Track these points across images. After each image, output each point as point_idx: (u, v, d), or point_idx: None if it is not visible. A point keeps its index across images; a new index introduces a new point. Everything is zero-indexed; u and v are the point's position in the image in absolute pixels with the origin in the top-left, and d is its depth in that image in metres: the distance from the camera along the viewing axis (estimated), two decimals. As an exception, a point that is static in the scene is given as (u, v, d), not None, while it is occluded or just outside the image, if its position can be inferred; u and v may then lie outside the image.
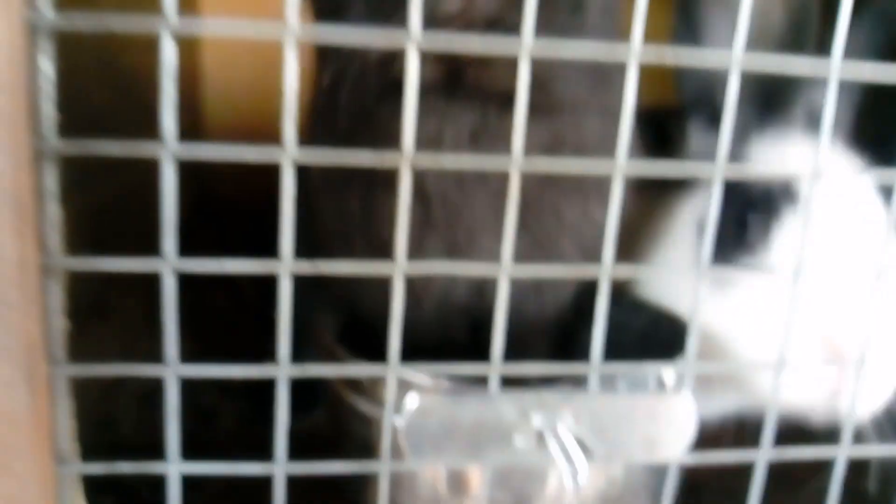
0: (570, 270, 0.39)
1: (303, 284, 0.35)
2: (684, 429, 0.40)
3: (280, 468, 0.38)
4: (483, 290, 0.48)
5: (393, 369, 0.37)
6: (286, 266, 0.34)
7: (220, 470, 0.38)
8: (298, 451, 0.38)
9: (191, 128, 0.95)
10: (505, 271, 0.37)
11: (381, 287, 0.36)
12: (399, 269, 0.36)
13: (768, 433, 0.41)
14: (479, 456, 0.39)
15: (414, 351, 0.38)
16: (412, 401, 0.38)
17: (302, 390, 0.39)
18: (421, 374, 0.41)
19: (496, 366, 0.38)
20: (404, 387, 0.39)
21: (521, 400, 0.38)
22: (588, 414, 0.39)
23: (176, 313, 0.35)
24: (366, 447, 0.45)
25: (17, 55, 0.30)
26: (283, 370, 0.36)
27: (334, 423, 0.49)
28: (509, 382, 0.38)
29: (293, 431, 0.38)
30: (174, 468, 0.37)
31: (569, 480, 0.37)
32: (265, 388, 0.37)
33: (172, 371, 0.36)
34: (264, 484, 0.38)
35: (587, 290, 0.41)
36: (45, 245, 0.33)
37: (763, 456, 0.41)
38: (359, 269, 0.36)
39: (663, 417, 0.39)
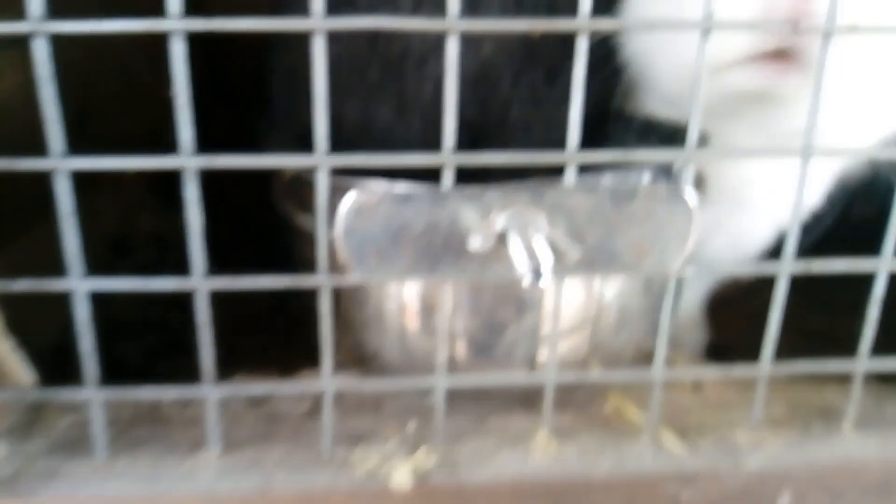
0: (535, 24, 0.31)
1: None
2: (685, 234, 0.32)
3: (202, 282, 0.32)
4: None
5: (322, 160, 0.31)
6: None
7: (131, 286, 0.32)
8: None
9: None
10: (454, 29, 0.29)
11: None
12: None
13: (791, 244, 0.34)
14: (433, 268, 0.32)
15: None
16: (348, 201, 0.31)
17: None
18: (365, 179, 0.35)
19: (448, 156, 0.31)
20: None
21: (480, 198, 0.31)
22: (564, 214, 0.32)
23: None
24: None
25: None
26: (190, 161, 0.30)
27: (289, 252, 0.43)
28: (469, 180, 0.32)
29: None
30: (82, 285, 0.32)
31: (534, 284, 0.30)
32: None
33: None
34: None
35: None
36: None
37: (786, 269, 0.34)
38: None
39: (658, 219, 0.32)
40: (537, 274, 0.29)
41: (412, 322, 0.40)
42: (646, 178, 0.36)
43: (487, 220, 0.31)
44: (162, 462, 0.35)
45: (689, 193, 0.32)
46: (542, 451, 0.36)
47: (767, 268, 0.35)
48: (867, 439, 0.38)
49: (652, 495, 0.35)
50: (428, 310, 0.39)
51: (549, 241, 0.31)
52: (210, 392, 0.34)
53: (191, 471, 0.34)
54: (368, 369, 0.42)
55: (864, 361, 0.37)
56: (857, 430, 0.38)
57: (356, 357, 0.41)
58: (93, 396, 0.33)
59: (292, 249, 0.43)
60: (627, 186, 0.32)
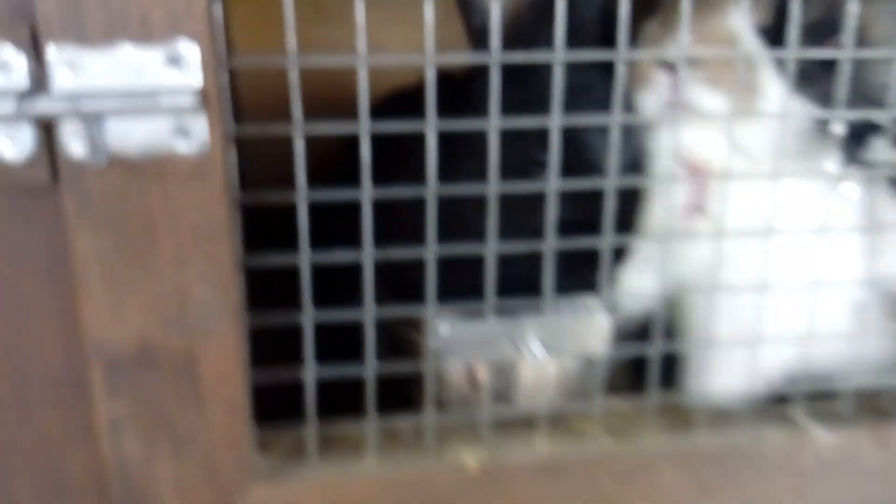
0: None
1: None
2: (603, 334, 0.67)
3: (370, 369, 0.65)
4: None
5: (431, 309, 0.64)
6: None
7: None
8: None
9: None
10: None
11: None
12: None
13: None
14: (483, 356, 0.66)
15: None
16: (443, 327, 0.65)
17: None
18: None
19: (490, 302, 0.65)
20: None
21: (505, 322, 0.65)
22: (546, 328, 0.66)
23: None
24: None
25: (223, 155, 0.56)
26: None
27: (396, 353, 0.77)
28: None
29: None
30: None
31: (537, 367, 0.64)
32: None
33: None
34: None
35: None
36: (237, 253, 0.59)
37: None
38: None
39: (589, 329, 0.66)
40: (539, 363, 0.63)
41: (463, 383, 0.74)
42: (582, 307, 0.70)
43: (509, 332, 0.66)
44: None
45: (604, 316, 0.66)
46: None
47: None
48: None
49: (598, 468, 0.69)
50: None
51: (539, 342, 0.65)
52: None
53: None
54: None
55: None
56: (704, 429, 0.72)
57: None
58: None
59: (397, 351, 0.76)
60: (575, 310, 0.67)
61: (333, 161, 0.84)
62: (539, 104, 0.61)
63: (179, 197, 0.55)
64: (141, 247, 0.56)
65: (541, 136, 0.62)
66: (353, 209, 0.61)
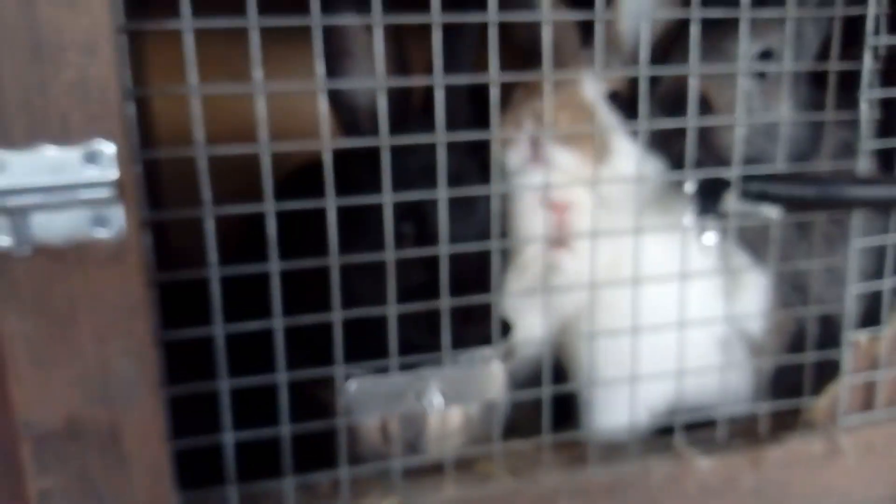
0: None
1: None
2: (498, 382, 0.74)
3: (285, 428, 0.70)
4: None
5: (339, 369, 0.70)
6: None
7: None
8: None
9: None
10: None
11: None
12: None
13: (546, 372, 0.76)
14: (390, 410, 0.72)
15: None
16: (351, 385, 0.71)
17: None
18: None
19: (394, 359, 0.71)
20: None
21: (409, 376, 0.72)
22: (446, 379, 0.72)
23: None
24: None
25: (139, 239, 0.62)
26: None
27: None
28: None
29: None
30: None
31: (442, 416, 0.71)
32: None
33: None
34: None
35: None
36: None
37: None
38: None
39: (486, 377, 0.73)
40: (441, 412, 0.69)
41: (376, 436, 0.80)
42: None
43: (413, 384, 0.72)
44: None
45: (498, 365, 0.73)
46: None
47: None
48: (602, 467, 0.79)
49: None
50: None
51: (440, 392, 0.72)
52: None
53: None
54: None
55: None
56: (598, 463, 0.79)
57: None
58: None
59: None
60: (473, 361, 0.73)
61: (248, 233, 0.90)
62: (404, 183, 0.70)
63: (99, 279, 0.60)
64: (64, 327, 0.61)
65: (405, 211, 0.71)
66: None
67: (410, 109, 0.77)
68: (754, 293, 0.88)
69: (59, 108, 0.57)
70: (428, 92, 0.72)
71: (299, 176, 0.92)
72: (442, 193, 0.69)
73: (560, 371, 0.86)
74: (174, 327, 0.65)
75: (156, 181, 0.98)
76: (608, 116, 0.80)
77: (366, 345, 0.69)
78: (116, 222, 0.60)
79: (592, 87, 0.81)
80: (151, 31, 0.60)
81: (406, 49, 0.75)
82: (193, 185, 0.65)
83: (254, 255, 0.67)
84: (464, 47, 0.75)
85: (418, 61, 0.76)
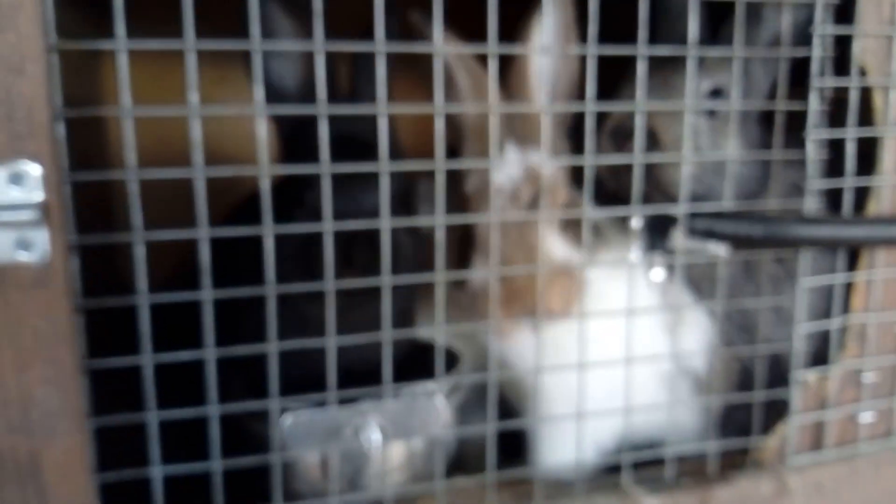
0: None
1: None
2: (440, 416, 0.71)
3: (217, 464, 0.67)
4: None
5: (274, 402, 0.68)
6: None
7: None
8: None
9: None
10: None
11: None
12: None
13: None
14: (326, 445, 0.69)
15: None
16: (287, 418, 0.68)
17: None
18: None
19: (332, 393, 0.69)
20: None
21: (348, 410, 0.69)
22: (386, 413, 0.70)
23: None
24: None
25: (66, 263, 0.59)
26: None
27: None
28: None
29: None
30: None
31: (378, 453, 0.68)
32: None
33: (153, 415, 0.65)
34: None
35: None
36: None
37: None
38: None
39: (427, 412, 0.71)
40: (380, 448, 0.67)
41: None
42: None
43: (352, 419, 0.69)
44: None
45: (441, 400, 0.71)
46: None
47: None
48: None
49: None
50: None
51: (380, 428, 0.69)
52: None
53: None
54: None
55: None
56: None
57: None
58: None
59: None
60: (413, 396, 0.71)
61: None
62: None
63: (21, 304, 0.58)
64: (-17, 353, 0.58)
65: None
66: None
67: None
68: (697, 331, 0.86)
69: (-17, 127, 0.55)
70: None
71: (250, 202, 0.90)
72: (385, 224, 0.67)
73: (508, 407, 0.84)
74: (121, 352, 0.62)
75: (110, 202, 0.96)
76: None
77: (308, 378, 0.67)
78: (41, 246, 0.57)
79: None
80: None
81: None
82: (154, 206, 0.63)
83: (195, 281, 0.65)
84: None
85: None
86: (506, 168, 0.82)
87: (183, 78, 0.59)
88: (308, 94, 0.69)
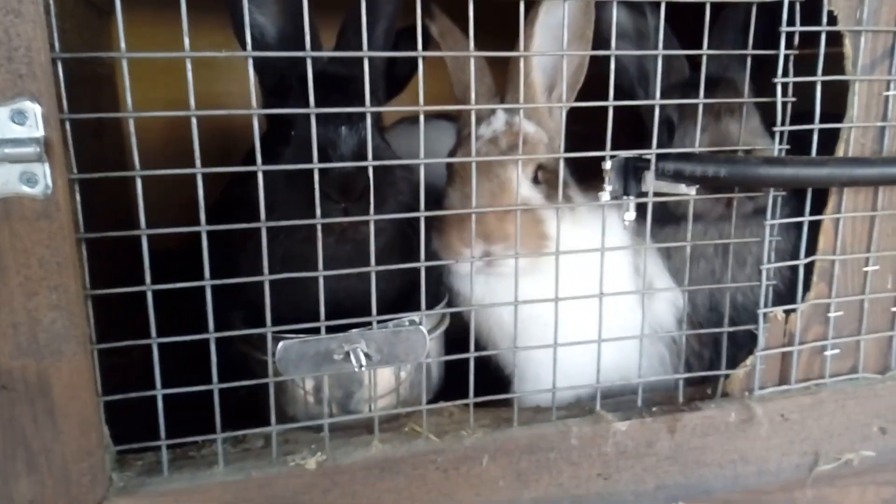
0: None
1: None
2: (424, 345, 0.72)
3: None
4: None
5: (269, 330, 0.68)
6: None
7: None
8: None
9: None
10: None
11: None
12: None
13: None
14: (320, 369, 0.70)
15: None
16: (281, 346, 0.69)
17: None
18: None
19: (322, 323, 0.69)
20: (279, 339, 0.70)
21: (338, 338, 0.70)
22: (373, 342, 0.71)
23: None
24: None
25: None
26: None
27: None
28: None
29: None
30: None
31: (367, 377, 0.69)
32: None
33: (155, 341, 0.66)
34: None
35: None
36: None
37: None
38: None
39: (412, 340, 0.71)
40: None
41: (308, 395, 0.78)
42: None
43: (342, 346, 0.70)
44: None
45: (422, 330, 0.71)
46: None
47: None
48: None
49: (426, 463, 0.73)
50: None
51: (367, 354, 0.70)
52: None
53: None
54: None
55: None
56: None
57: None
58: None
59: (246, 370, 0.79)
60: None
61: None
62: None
63: (27, 235, 0.59)
64: (-8, 281, 0.59)
65: None
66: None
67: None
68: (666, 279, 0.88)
69: (-15, 68, 0.55)
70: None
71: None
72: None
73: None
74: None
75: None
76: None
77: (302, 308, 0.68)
78: (43, 180, 0.58)
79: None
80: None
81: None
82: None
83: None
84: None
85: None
86: (492, 125, 0.82)
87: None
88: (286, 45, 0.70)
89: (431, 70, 0.69)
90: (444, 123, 1.04)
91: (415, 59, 0.66)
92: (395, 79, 0.87)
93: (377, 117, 0.79)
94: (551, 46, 0.79)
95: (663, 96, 0.76)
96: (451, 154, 0.86)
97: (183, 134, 0.62)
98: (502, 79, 0.85)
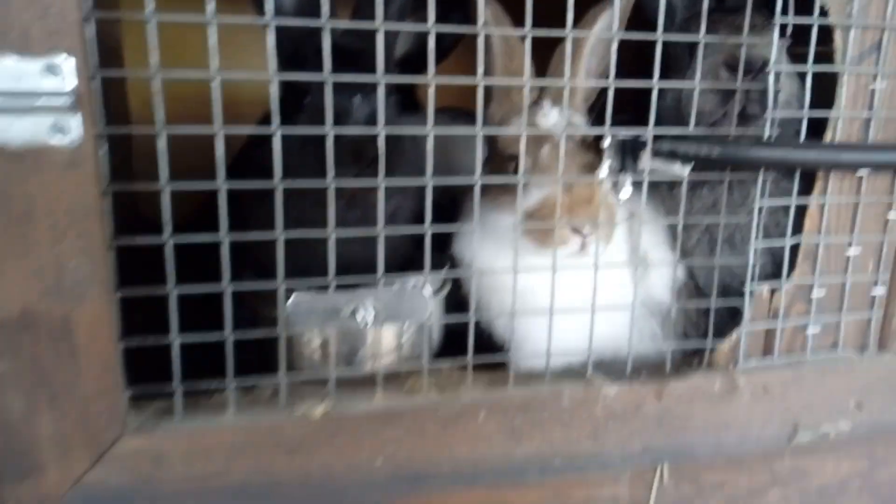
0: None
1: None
2: (427, 305, 0.74)
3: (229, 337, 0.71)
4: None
5: (280, 284, 0.71)
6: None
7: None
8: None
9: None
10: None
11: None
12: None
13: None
14: (326, 325, 0.73)
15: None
16: (291, 300, 0.71)
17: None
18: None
19: (332, 279, 0.72)
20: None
21: (346, 295, 0.72)
22: (379, 300, 0.73)
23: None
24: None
25: (95, 150, 0.62)
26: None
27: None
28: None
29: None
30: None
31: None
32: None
33: (172, 291, 0.68)
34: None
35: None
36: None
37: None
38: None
39: (416, 301, 0.74)
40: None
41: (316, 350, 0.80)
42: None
43: (349, 303, 0.72)
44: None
45: (427, 291, 0.74)
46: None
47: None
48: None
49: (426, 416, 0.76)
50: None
51: (374, 312, 0.72)
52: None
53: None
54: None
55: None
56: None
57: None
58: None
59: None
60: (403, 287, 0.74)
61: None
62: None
63: (55, 183, 0.61)
64: (21, 225, 0.61)
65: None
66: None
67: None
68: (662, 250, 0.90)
69: (21, 22, 0.57)
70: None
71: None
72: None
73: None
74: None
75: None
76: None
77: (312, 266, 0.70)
78: (74, 130, 0.60)
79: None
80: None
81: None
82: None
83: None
84: None
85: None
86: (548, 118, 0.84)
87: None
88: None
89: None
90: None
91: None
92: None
93: (393, 94, 0.81)
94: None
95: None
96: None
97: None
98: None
